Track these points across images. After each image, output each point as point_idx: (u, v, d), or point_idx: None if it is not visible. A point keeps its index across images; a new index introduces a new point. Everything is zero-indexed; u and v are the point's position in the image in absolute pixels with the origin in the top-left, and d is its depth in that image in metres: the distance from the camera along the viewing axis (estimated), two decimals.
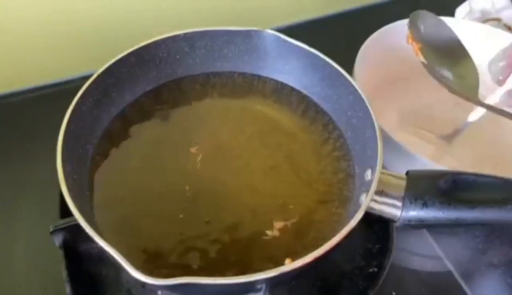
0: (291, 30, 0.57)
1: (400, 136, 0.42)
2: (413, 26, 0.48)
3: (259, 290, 0.32)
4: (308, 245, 0.37)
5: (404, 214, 0.35)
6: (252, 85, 0.49)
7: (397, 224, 0.36)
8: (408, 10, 0.51)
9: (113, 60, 0.42)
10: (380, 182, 0.35)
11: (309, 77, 0.47)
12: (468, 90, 0.47)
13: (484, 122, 0.50)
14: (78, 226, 0.31)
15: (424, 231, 0.46)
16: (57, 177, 0.33)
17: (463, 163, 0.48)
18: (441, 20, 0.51)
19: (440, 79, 0.46)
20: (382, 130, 0.39)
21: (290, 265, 0.30)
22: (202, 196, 0.39)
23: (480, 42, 0.52)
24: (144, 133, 0.44)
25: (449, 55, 0.49)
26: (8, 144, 0.50)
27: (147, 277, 0.28)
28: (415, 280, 0.44)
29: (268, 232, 0.38)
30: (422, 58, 0.46)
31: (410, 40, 0.48)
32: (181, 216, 0.38)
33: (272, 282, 0.31)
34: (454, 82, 0.46)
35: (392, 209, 0.35)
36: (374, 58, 0.52)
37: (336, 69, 0.43)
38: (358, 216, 0.32)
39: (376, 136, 0.37)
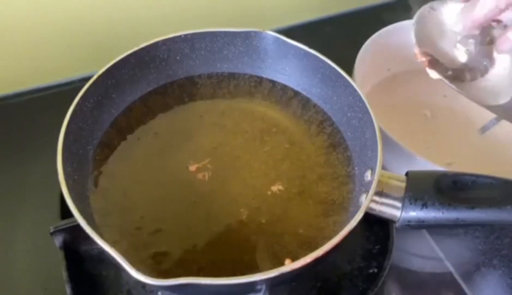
0: (291, 31, 0.57)
1: (400, 137, 0.43)
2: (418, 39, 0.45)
3: (259, 290, 0.32)
4: (308, 245, 0.37)
5: (404, 214, 0.35)
6: (252, 86, 0.49)
7: (397, 224, 0.36)
8: (408, 11, 0.51)
9: (113, 62, 0.42)
10: (380, 182, 0.35)
11: (309, 78, 0.47)
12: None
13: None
14: (78, 227, 0.31)
15: (424, 231, 0.45)
16: (58, 178, 0.33)
17: (463, 163, 0.48)
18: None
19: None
20: (382, 131, 0.39)
21: (290, 265, 0.30)
22: (203, 196, 0.40)
23: None
24: (145, 134, 0.44)
25: None
26: (9, 145, 0.50)
27: (147, 277, 0.28)
28: (415, 280, 0.44)
29: (268, 232, 0.38)
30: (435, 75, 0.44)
31: (419, 57, 0.46)
32: (181, 216, 0.38)
33: (272, 283, 0.31)
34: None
35: (392, 209, 0.35)
36: (374, 59, 0.52)
37: (335, 70, 0.43)
38: (358, 217, 0.32)
39: (376, 137, 0.37)
